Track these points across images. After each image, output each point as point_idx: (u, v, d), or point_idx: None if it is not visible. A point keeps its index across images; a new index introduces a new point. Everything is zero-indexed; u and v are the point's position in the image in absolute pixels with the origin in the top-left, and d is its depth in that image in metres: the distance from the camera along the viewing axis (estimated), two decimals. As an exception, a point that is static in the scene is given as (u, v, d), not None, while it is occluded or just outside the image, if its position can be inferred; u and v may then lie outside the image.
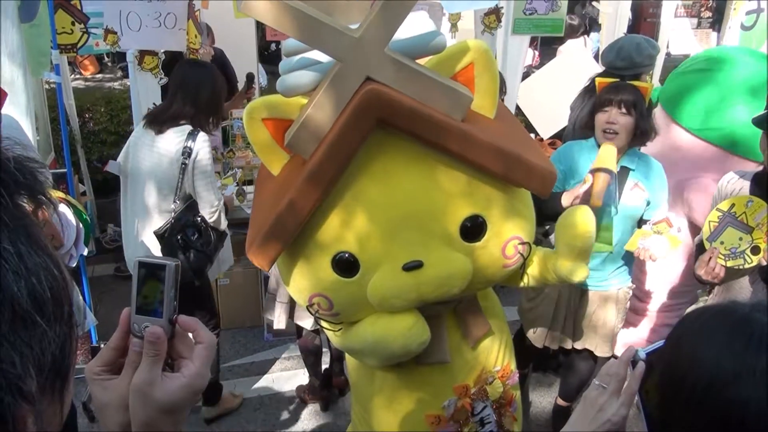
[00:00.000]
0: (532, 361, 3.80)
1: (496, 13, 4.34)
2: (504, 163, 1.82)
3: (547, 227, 3.09)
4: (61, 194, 2.94)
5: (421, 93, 1.76)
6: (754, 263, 2.42)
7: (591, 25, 7.52)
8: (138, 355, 0.89)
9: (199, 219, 3.35)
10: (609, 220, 2.99)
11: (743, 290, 2.62)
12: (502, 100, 3.58)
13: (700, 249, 2.69)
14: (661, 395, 1.19)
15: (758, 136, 3.25)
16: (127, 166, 3.47)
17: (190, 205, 3.34)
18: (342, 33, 1.67)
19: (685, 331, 1.16)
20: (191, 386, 0.90)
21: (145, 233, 3.43)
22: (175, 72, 3.44)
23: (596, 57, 5.75)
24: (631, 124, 2.92)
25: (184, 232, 3.31)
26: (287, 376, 4.31)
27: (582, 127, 3.24)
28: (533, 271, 2.20)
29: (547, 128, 5.54)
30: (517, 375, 2.40)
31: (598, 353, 3.36)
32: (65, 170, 4.00)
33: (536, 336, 3.36)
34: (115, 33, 3.75)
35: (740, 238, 2.45)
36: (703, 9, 9.65)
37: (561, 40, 6.66)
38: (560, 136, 4.98)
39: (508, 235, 1.96)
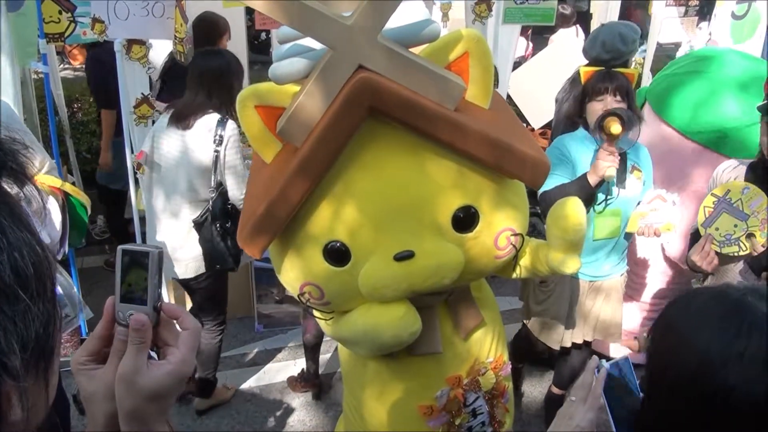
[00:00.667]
0: (527, 357, 3.81)
1: (486, 2, 4.32)
2: (495, 152, 1.81)
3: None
4: (56, 184, 2.90)
5: (414, 82, 1.74)
6: (749, 251, 2.41)
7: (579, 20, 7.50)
8: (123, 344, 0.89)
9: (229, 206, 3.37)
10: (615, 206, 3.03)
11: (734, 279, 2.62)
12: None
13: (694, 237, 2.68)
14: (648, 377, 1.18)
15: (746, 134, 3.27)
16: (152, 157, 3.47)
17: (222, 193, 3.35)
18: (334, 20, 1.65)
19: (677, 314, 1.16)
20: (177, 373, 0.89)
21: (175, 223, 3.45)
22: (192, 64, 3.44)
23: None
24: None
25: (221, 219, 3.33)
26: (278, 367, 4.30)
27: (570, 116, 3.24)
28: (525, 262, 2.19)
29: (538, 118, 5.55)
30: (510, 366, 2.39)
31: (610, 341, 3.40)
32: (53, 161, 3.95)
33: (553, 338, 3.36)
34: (103, 22, 3.71)
35: (735, 225, 2.43)
36: (690, -3, 9.64)
37: (552, 30, 6.66)
38: (551, 126, 4.98)
39: (500, 227, 1.95)
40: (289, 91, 1.85)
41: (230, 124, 3.25)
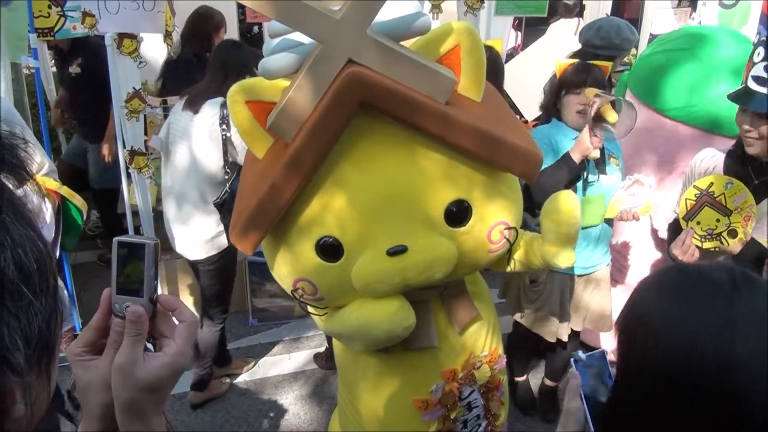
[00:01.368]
0: (521, 349, 3.81)
1: (479, -7, 4.30)
2: (487, 146, 1.80)
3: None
4: (53, 187, 2.89)
5: (404, 76, 1.73)
6: (731, 246, 2.41)
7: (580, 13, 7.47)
8: (120, 335, 0.89)
9: None
10: (597, 193, 3.05)
11: None
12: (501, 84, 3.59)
13: (674, 228, 2.70)
14: (620, 356, 1.19)
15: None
16: (167, 142, 3.52)
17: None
18: (322, 14, 1.64)
19: (641, 289, 1.17)
20: (173, 365, 0.90)
21: (187, 205, 3.48)
22: (216, 53, 3.51)
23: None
24: None
25: None
26: (272, 361, 4.30)
27: (546, 109, 3.26)
28: (520, 255, 2.19)
29: (532, 109, 5.52)
30: (505, 359, 2.40)
31: (600, 331, 3.43)
32: (52, 163, 3.94)
33: (549, 331, 3.38)
34: (93, 16, 3.69)
35: (717, 220, 2.43)
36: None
37: (547, 21, 6.63)
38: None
39: (493, 221, 1.94)
40: (279, 86, 1.84)
41: None
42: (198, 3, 4.78)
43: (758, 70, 2.37)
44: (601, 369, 1.40)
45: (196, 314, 4.41)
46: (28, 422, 0.60)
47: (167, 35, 3.84)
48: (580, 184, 3.00)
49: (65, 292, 2.93)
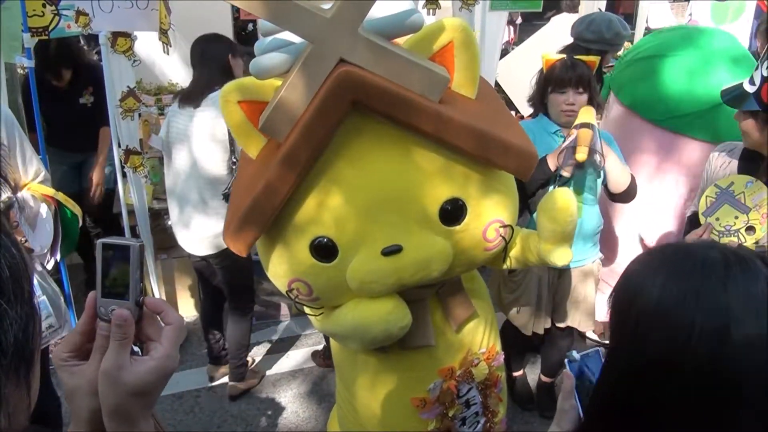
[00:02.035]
0: (516, 344, 3.81)
1: (474, -11, 4.29)
2: (481, 143, 1.79)
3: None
4: (49, 193, 2.88)
5: (396, 74, 1.72)
6: (748, 243, 2.45)
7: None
8: (105, 339, 0.88)
9: None
10: (593, 182, 3.04)
11: None
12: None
13: (692, 222, 2.75)
14: (611, 332, 1.18)
15: (715, 117, 3.26)
16: (169, 140, 3.51)
17: None
18: (313, 13, 1.63)
19: (634, 266, 1.16)
20: (161, 368, 0.89)
21: (194, 200, 3.47)
22: (193, 49, 3.51)
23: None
24: (586, 101, 2.98)
25: None
26: (270, 359, 4.30)
27: (532, 102, 3.26)
28: (516, 252, 2.18)
29: (527, 105, 5.51)
30: (503, 356, 2.40)
31: (581, 329, 3.40)
32: (47, 173, 3.92)
33: (524, 325, 3.38)
34: (87, 15, 3.67)
35: (736, 217, 2.49)
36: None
37: (541, 16, 6.62)
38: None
39: (488, 219, 1.94)
40: (272, 85, 1.83)
41: None
42: (193, 2, 4.77)
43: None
44: (596, 368, 1.39)
45: (195, 313, 4.42)
46: None
47: (162, 33, 3.82)
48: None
49: (61, 299, 2.90)
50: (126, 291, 0.90)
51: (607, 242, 3.79)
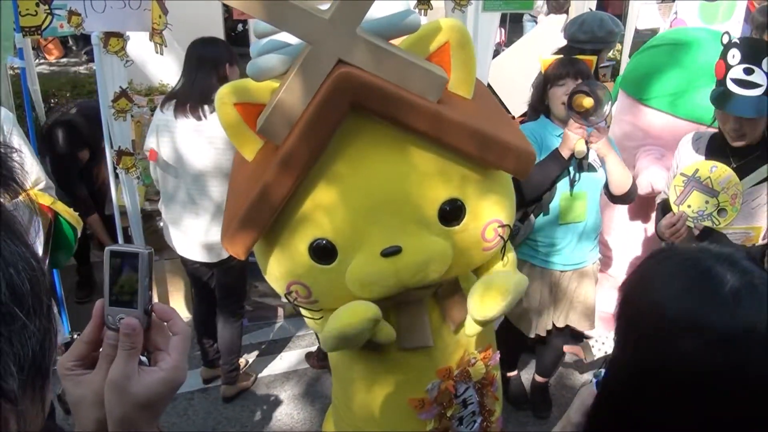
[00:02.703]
0: (511, 343, 3.82)
1: (466, -10, 4.29)
2: (478, 143, 1.80)
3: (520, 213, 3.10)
4: (47, 202, 2.83)
5: (395, 75, 1.72)
6: (722, 225, 2.55)
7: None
8: (113, 349, 0.85)
9: None
10: (580, 190, 3.04)
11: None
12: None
13: (663, 208, 2.85)
14: (617, 331, 1.19)
15: None
16: (162, 153, 3.42)
17: None
18: (311, 14, 1.63)
19: (650, 271, 1.16)
20: (170, 380, 0.87)
21: (204, 209, 3.43)
22: (189, 52, 3.42)
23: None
24: None
25: None
26: (264, 360, 4.28)
27: (532, 105, 3.27)
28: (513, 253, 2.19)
29: (518, 106, 5.52)
30: (498, 355, 2.40)
31: (580, 329, 3.42)
32: (50, 181, 3.89)
33: (527, 327, 3.38)
34: (79, 15, 3.65)
35: (706, 201, 2.57)
36: (667, -17, 9.64)
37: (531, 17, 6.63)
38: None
39: (487, 219, 1.94)
40: (268, 87, 1.83)
41: None
42: (183, 2, 4.74)
43: (737, 73, 2.45)
44: None
45: (188, 314, 4.40)
46: None
47: (155, 34, 3.80)
48: (566, 180, 3.00)
49: (54, 310, 2.87)
50: (134, 299, 0.88)
51: (607, 243, 3.81)
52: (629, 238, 3.90)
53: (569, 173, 2.99)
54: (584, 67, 3.01)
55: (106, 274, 0.89)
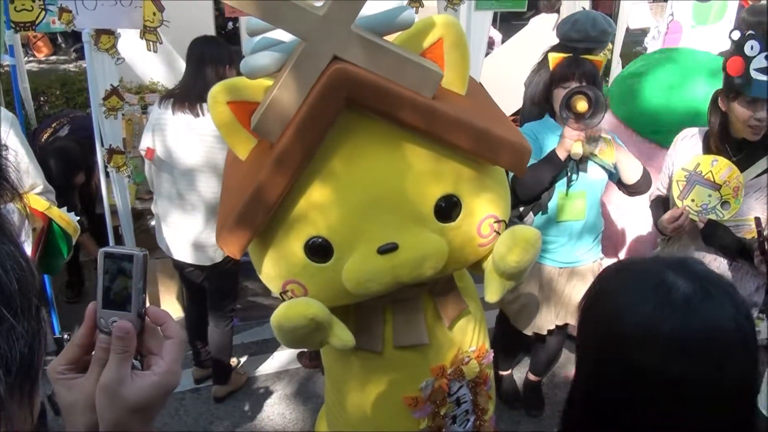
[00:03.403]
0: (505, 342, 3.82)
1: (459, -12, 4.29)
2: (474, 139, 1.79)
3: (521, 209, 3.10)
4: (40, 207, 2.79)
5: (390, 71, 1.71)
6: (726, 217, 2.60)
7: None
8: (105, 352, 0.84)
9: None
10: (578, 189, 3.05)
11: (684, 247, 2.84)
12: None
13: (657, 204, 2.94)
14: (576, 348, 1.21)
15: None
16: (157, 150, 3.40)
17: None
18: (305, 10, 1.62)
19: (604, 288, 1.18)
20: (163, 384, 0.85)
21: (199, 210, 3.42)
22: (190, 50, 3.41)
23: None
24: None
25: None
26: (255, 360, 4.27)
27: (538, 102, 3.26)
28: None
29: (510, 104, 5.53)
30: (492, 354, 2.40)
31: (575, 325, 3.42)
32: (49, 185, 3.86)
33: (526, 325, 3.38)
34: (70, 12, 3.63)
35: (709, 195, 2.62)
36: (659, -18, 9.67)
37: (521, 15, 6.63)
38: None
39: (483, 214, 1.94)
40: (262, 85, 1.82)
41: None
42: (177, 1, 4.72)
43: (760, 62, 2.42)
44: None
45: (180, 314, 4.38)
46: None
47: (148, 31, 3.79)
48: (563, 180, 3.00)
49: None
50: (128, 302, 0.86)
51: (608, 242, 3.83)
52: (630, 237, 3.92)
53: (566, 173, 2.99)
54: (591, 68, 3.00)
55: (99, 276, 0.87)
